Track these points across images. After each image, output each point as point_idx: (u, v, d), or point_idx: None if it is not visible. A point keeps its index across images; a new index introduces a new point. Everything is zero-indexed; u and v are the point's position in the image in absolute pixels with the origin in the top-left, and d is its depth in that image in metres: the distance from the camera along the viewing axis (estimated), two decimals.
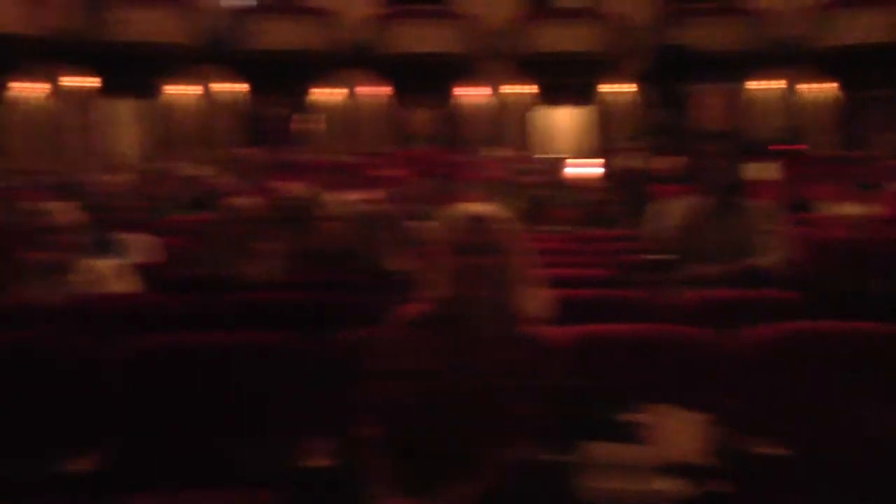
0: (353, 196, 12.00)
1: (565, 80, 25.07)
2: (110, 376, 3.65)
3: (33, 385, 3.61)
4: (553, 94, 25.88)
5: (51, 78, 22.80)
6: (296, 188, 9.71)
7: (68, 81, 23.08)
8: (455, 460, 2.85)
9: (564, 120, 26.60)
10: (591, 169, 17.93)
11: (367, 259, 5.65)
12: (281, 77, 24.97)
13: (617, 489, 2.81)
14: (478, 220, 2.94)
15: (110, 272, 5.17)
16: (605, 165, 17.47)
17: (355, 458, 2.97)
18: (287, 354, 3.71)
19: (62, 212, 5.25)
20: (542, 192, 9.55)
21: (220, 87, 25.14)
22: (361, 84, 25.68)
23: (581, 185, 13.98)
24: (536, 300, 2.98)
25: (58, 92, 22.87)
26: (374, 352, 3.06)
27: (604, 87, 25.77)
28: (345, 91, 25.72)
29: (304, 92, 25.98)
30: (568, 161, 19.26)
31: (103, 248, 6.24)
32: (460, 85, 26.01)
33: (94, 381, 3.62)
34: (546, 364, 2.90)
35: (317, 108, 26.01)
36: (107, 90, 24.23)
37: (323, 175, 12.93)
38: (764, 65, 24.53)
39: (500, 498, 2.79)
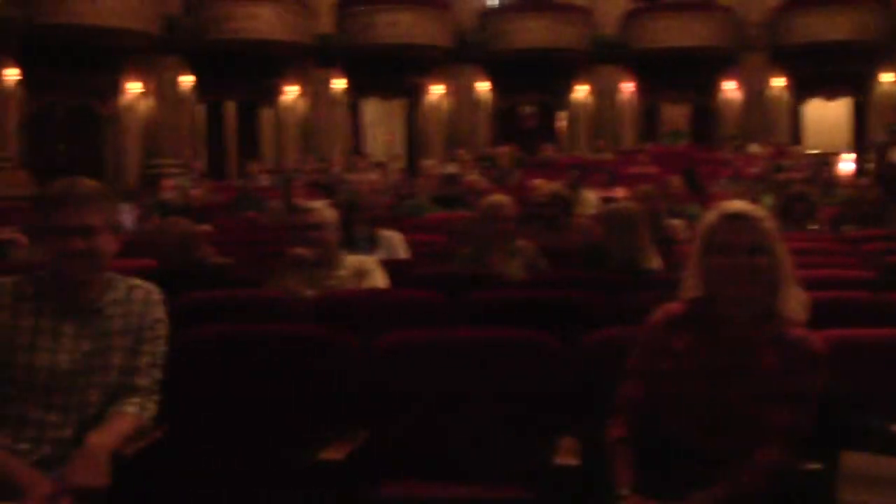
0: (606, 193, 11.99)
1: (827, 71, 24.17)
2: (363, 369, 3.75)
3: (292, 375, 3.75)
4: (813, 86, 25.01)
5: (313, 81, 23.68)
6: (549, 186, 9.77)
7: (329, 84, 23.91)
8: (708, 464, 2.80)
9: (826, 113, 25.68)
10: (854, 164, 17.25)
11: (622, 257, 5.60)
12: (532, 75, 25.10)
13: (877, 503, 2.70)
14: (736, 218, 2.88)
15: (365, 268, 5.31)
16: (871, 160, 16.76)
17: (604, 457, 2.96)
18: (539, 352, 3.72)
19: (323, 209, 5.43)
20: (801, 188, 9.23)
21: (472, 86, 25.47)
22: (614, 80, 25.52)
23: (843, 181, 13.47)
24: (795, 301, 2.89)
25: (319, 94, 23.73)
26: (629, 351, 3.04)
27: (870, 78, 24.61)
28: (597, 87, 25.60)
29: (556, 89, 26.02)
30: (829, 156, 18.59)
31: (359, 244, 6.43)
32: (717, 79, 25.49)
33: (348, 374, 3.72)
34: (807, 369, 2.80)
35: (569, 105, 26.01)
36: (363, 91, 25.01)
37: (575, 173, 12.93)
38: None
39: None
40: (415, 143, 25.74)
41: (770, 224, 2.89)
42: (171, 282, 4.91)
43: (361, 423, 3.56)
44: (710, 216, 2.94)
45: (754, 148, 20.59)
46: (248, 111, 24.15)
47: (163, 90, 21.47)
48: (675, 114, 26.85)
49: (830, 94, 25.41)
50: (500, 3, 26.06)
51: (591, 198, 10.98)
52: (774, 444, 2.76)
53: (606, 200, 9.90)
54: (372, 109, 26.75)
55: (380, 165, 18.71)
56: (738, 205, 2.96)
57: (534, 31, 24.49)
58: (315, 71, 23.62)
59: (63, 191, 3.06)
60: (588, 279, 5.32)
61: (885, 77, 24.36)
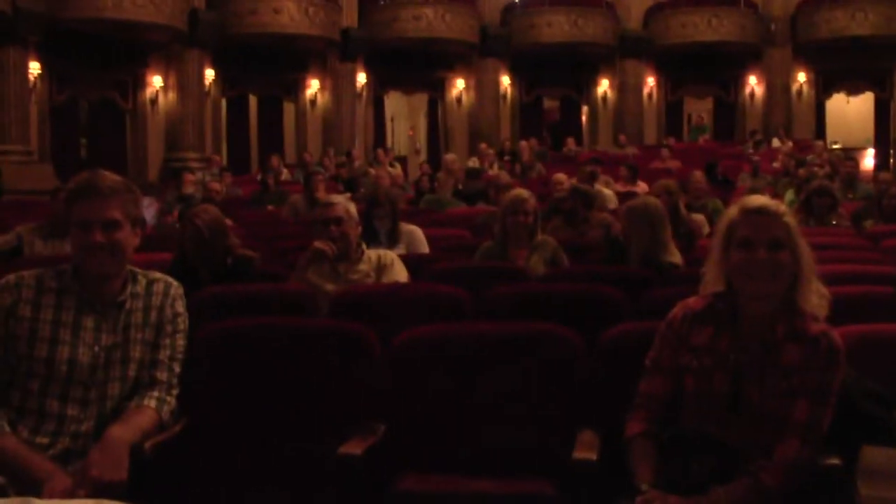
0: (627, 188, 11.96)
1: (849, 66, 24.05)
2: (383, 363, 3.75)
3: (311, 370, 3.74)
4: (836, 82, 24.90)
5: (336, 75, 23.68)
6: (569, 181, 9.75)
7: (352, 78, 23.90)
8: (727, 459, 2.80)
9: (849, 108, 25.56)
10: (876, 159, 17.16)
11: (642, 252, 5.59)
12: (555, 69, 25.12)
13: None
14: (757, 213, 2.87)
15: (385, 262, 5.30)
16: (893, 155, 16.68)
17: (623, 452, 2.96)
18: (559, 346, 3.71)
19: (344, 203, 5.43)
20: (823, 183, 9.18)
21: (496, 80, 25.45)
22: (637, 75, 25.45)
23: (865, 176, 13.39)
24: (816, 297, 2.88)
25: (342, 88, 23.73)
26: (649, 346, 3.03)
27: (893, 73, 24.36)
28: (620, 82, 25.55)
29: (579, 84, 26.01)
30: (851, 151, 18.50)
31: (379, 238, 6.42)
32: (740, 74, 25.41)
33: (367, 368, 3.72)
34: (827, 364, 2.79)
35: (592, 99, 25.97)
36: (386, 85, 25.04)
37: (588, 168, 12.90)
38: None
39: (773, 500, 2.71)
40: (437, 138, 25.75)
41: (791, 219, 2.88)
42: (197, 272, 4.96)
43: (381, 418, 3.56)
44: (731, 211, 2.94)
45: (778, 143, 20.51)
46: (271, 105, 24.22)
47: (185, 84, 21.51)
48: (698, 109, 26.78)
49: (853, 90, 25.29)
50: None
51: (606, 193, 10.91)
52: (794, 439, 2.75)
53: (626, 195, 9.87)
54: (394, 104, 26.78)
55: (401, 160, 18.70)
56: (759, 200, 2.95)
57: (557, 26, 24.48)
58: (338, 65, 23.63)
59: (85, 184, 3.07)
60: (609, 274, 5.31)
61: None
